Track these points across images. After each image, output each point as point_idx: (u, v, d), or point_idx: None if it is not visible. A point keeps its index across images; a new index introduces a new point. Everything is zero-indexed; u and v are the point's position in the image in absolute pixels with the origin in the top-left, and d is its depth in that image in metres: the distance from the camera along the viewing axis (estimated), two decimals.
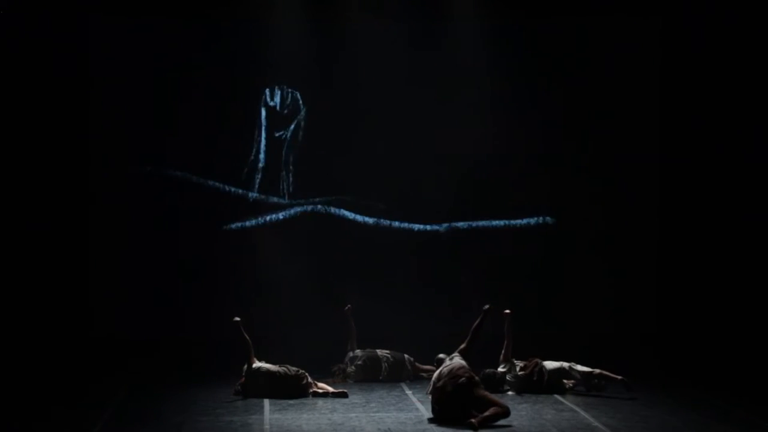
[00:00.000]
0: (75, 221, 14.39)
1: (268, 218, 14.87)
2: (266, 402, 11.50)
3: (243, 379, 11.78)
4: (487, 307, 11.09)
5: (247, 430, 10.30)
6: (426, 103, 14.81)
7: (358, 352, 12.93)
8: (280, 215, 14.86)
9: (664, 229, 14.97)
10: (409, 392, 12.00)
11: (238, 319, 11.70)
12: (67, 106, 14.33)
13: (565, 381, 12.01)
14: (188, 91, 14.56)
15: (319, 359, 12.72)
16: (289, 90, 14.93)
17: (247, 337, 11.75)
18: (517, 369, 12.00)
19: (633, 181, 15.02)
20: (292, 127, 14.95)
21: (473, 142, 14.61)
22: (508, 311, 12.03)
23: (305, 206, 14.90)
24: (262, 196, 14.90)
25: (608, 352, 13.17)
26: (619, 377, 11.81)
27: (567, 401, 11.53)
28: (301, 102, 14.94)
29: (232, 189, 14.80)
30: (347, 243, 14.83)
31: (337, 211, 14.97)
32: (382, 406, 11.36)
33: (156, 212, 14.59)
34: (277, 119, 14.94)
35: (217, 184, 14.76)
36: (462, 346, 10.95)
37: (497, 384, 11.87)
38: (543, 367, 11.98)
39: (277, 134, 14.92)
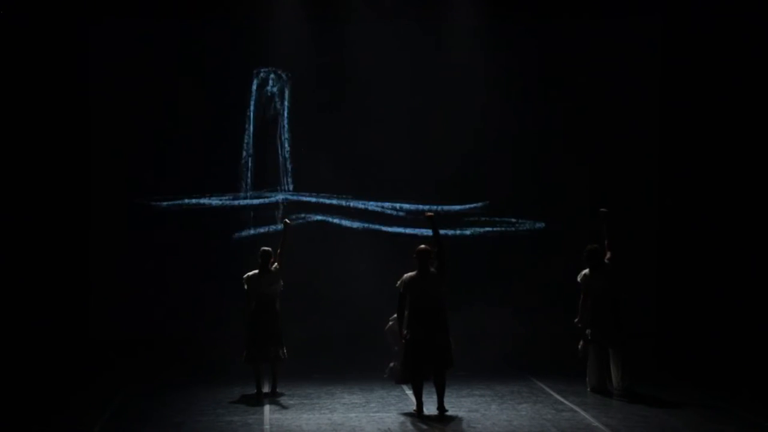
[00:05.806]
0: (75, 223, 14.40)
1: (269, 228, 14.91)
2: (266, 402, 11.52)
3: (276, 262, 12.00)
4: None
5: (247, 430, 10.31)
6: (425, 103, 14.82)
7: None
8: (279, 225, 14.91)
9: (664, 230, 14.96)
10: (409, 392, 11.99)
11: (288, 221, 12.29)
12: (67, 103, 14.35)
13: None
14: (188, 91, 14.58)
15: (319, 359, 12.73)
16: (284, 90, 14.96)
17: (286, 242, 12.05)
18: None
19: (633, 180, 15.01)
20: (287, 126, 14.95)
21: (472, 142, 14.62)
22: (604, 209, 12.28)
23: (306, 215, 14.92)
24: (260, 193, 14.92)
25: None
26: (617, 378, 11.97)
27: (567, 401, 11.54)
28: (289, 97, 14.92)
29: (230, 201, 14.85)
30: (345, 246, 14.81)
31: (335, 219, 15.00)
32: (382, 406, 11.37)
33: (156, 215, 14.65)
34: (272, 119, 14.95)
35: (215, 200, 14.80)
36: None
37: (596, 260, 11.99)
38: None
39: (273, 134, 14.93)
